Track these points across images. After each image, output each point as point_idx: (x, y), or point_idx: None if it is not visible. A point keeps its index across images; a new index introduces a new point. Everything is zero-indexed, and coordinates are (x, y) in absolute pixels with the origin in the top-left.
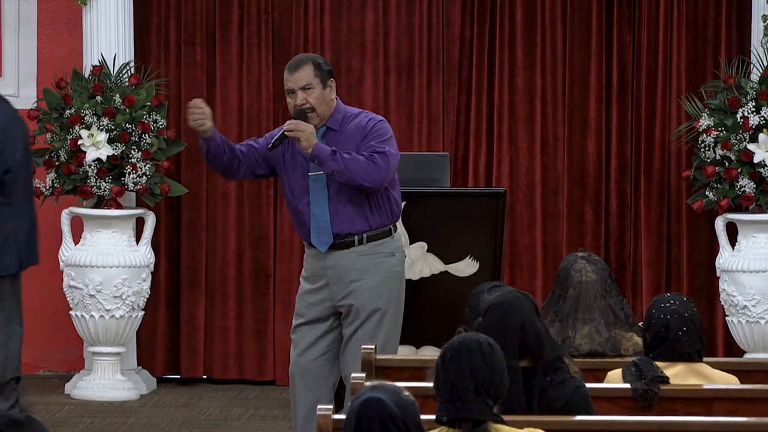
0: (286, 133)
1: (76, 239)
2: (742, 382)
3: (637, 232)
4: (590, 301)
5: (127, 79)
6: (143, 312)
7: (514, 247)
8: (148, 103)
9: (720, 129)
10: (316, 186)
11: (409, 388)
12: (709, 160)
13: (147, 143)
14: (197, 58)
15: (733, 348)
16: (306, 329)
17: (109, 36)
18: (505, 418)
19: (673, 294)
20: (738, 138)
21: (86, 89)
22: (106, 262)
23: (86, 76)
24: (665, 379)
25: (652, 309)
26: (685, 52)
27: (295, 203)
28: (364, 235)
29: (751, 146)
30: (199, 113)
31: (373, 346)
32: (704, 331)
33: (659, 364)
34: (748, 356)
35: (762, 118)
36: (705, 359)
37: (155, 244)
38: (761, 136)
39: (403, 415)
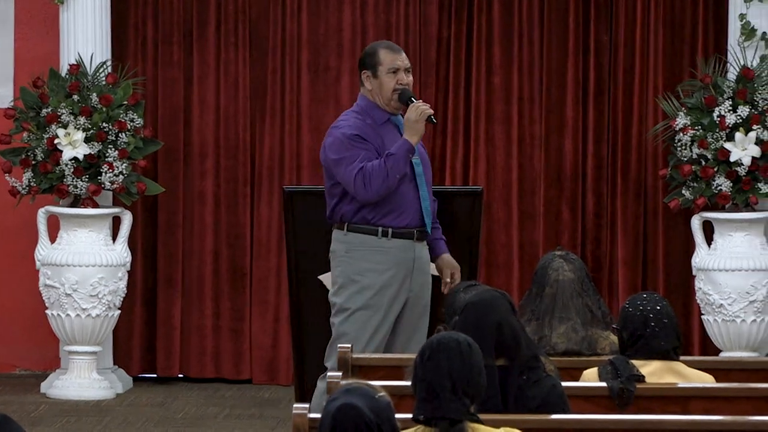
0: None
1: (53, 238)
2: (717, 381)
3: (614, 231)
4: (567, 299)
5: (104, 78)
6: (119, 311)
7: (490, 246)
8: (125, 102)
9: (697, 128)
10: (418, 170)
11: (384, 387)
12: (685, 159)
13: (124, 142)
14: (174, 57)
15: (708, 346)
16: (380, 321)
17: (86, 35)
18: (482, 417)
19: (648, 293)
20: (714, 137)
21: (63, 88)
22: (83, 261)
23: (63, 75)
24: (641, 378)
25: (629, 308)
26: (662, 51)
27: (400, 188)
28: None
29: (727, 145)
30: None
31: (349, 345)
32: (680, 329)
33: (635, 362)
34: (723, 355)
35: (739, 117)
36: (681, 358)
37: (132, 243)
38: (738, 135)
39: (378, 419)
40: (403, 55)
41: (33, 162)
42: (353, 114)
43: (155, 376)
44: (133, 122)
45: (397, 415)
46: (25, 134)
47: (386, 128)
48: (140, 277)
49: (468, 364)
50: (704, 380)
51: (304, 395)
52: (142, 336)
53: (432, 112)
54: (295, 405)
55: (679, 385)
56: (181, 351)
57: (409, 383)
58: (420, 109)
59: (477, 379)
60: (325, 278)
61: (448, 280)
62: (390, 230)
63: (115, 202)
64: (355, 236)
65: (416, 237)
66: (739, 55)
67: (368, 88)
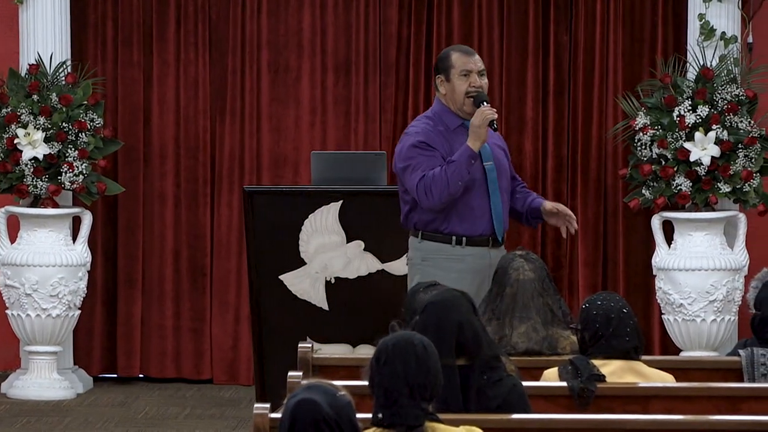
0: (495, 118)
1: (13, 238)
2: (678, 380)
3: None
4: (527, 299)
5: (63, 78)
6: (80, 311)
7: None
8: (85, 102)
9: (656, 128)
10: (491, 177)
11: (345, 387)
12: (645, 159)
13: (84, 142)
14: (134, 57)
15: (669, 346)
16: None
17: (45, 35)
18: (442, 416)
19: (606, 292)
20: (674, 136)
21: (23, 88)
22: (43, 261)
23: (23, 74)
24: (601, 378)
25: (588, 308)
26: (621, 50)
27: (470, 195)
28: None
29: (687, 145)
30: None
31: (309, 345)
32: (640, 329)
33: (595, 362)
34: (684, 354)
35: (698, 117)
36: (641, 357)
37: (92, 243)
38: (697, 135)
39: (337, 416)
40: (476, 57)
41: None
42: (424, 119)
43: (116, 376)
44: (93, 122)
45: (359, 415)
46: None
47: (458, 133)
48: (100, 277)
49: (424, 368)
50: (664, 380)
51: (265, 395)
52: (102, 336)
53: (495, 117)
54: (256, 405)
55: (640, 385)
56: (142, 351)
57: (367, 383)
58: (484, 113)
59: (434, 382)
60: (286, 278)
61: (560, 222)
62: (464, 239)
63: (75, 202)
64: (429, 244)
65: (491, 244)
66: (699, 54)
67: (442, 93)
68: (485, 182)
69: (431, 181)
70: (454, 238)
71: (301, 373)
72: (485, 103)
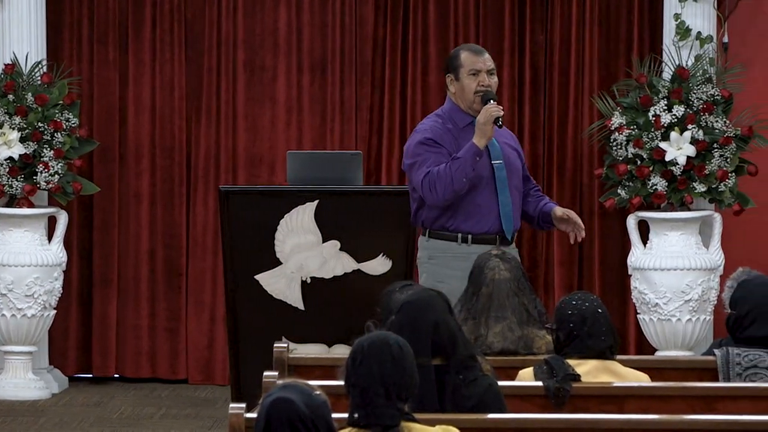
0: (501, 115)
1: None
2: (653, 380)
3: (549, 231)
4: (503, 299)
5: (39, 78)
6: (55, 311)
7: None
8: (61, 102)
9: (632, 127)
10: (500, 175)
11: (321, 387)
12: (621, 159)
13: (59, 142)
14: (110, 57)
15: (644, 346)
16: None
17: (21, 34)
18: (418, 416)
19: (582, 292)
20: (650, 136)
21: None
22: (18, 261)
23: None
24: (577, 377)
25: (563, 307)
26: (597, 50)
27: (477, 194)
28: (516, 233)
29: (662, 144)
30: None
31: (285, 344)
32: (615, 328)
33: (571, 361)
34: (659, 354)
35: (674, 117)
36: (617, 357)
37: (67, 243)
38: (673, 135)
39: (313, 415)
40: (486, 56)
41: None
42: (434, 117)
43: (91, 376)
44: (69, 122)
45: (334, 415)
46: None
47: (467, 131)
48: (76, 276)
49: (400, 368)
50: (640, 379)
51: (241, 395)
52: (77, 336)
53: (500, 114)
54: (231, 405)
55: (615, 385)
56: (117, 351)
57: (343, 383)
58: (489, 111)
59: (410, 382)
60: (262, 278)
61: (569, 228)
62: (469, 236)
63: (51, 202)
64: (436, 242)
65: (498, 242)
66: (674, 54)
67: (452, 91)
68: (493, 180)
69: (436, 177)
70: (459, 235)
71: (276, 373)
72: (492, 101)
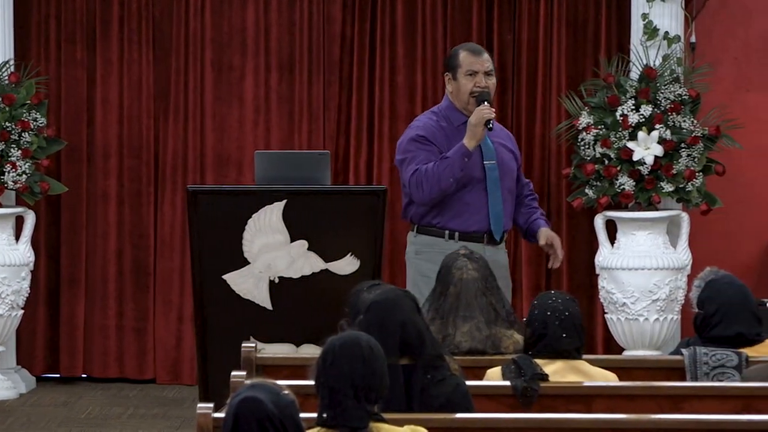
0: (492, 117)
1: None
2: (621, 379)
3: (517, 230)
4: (471, 298)
5: (6, 77)
6: (23, 311)
7: (394, 245)
8: (28, 102)
9: (600, 127)
10: (492, 176)
11: (289, 386)
12: (588, 158)
13: (27, 142)
14: (78, 56)
15: (612, 345)
16: None
17: None
18: (386, 416)
19: (557, 292)
20: (617, 136)
21: None
22: None
23: None
24: (545, 377)
25: (536, 307)
26: (565, 50)
27: (466, 193)
28: (506, 234)
29: (630, 144)
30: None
31: (253, 344)
32: (584, 329)
33: (539, 361)
34: (627, 353)
35: (641, 116)
36: (584, 356)
37: (35, 243)
38: (640, 134)
39: (281, 415)
40: (484, 57)
41: None
42: (430, 113)
43: (58, 376)
44: (36, 121)
45: (302, 414)
46: None
47: (461, 131)
48: (43, 276)
49: (370, 370)
50: (608, 379)
51: (208, 395)
52: (45, 336)
53: (491, 116)
54: (199, 405)
55: (583, 384)
56: (85, 351)
57: (313, 383)
58: (480, 112)
59: (379, 383)
60: (230, 277)
61: (551, 252)
62: (457, 233)
63: (18, 202)
64: (424, 238)
65: (486, 241)
66: (642, 54)
67: (449, 90)
68: (484, 180)
69: (423, 175)
70: (447, 232)
71: (244, 373)
72: (486, 103)
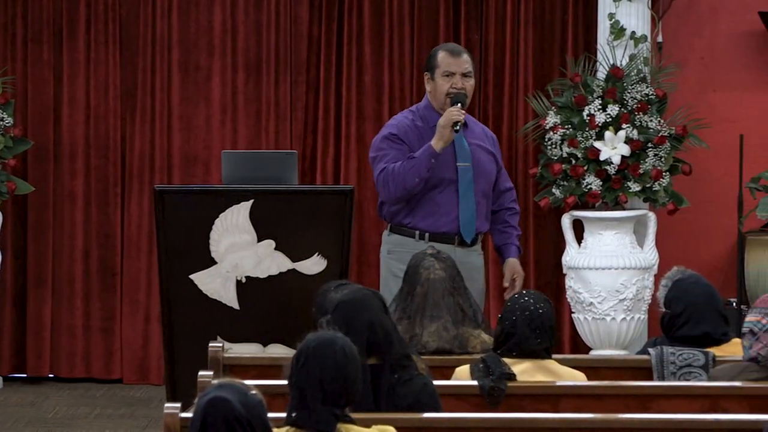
0: (460, 120)
1: None
2: (588, 379)
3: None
4: (438, 298)
5: None
6: None
7: (361, 245)
8: None
9: (566, 127)
10: (465, 177)
11: (256, 386)
12: (555, 158)
13: None
14: (44, 56)
15: (579, 345)
16: None
17: None
18: (353, 416)
19: (530, 291)
20: (584, 136)
21: None
22: None
23: None
24: (512, 376)
25: (508, 306)
26: (531, 50)
27: (437, 194)
28: (482, 236)
29: (597, 144)
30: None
31: (220, 344)
32: (554, 330)
33: (507, 360)
34: (594, 353)
35: (608, 116)
36: (553, 356)
37: (1, 243)
38: (607, 134)
39: (249, 415)
40: (463, 58)
41: None
42: (407, 112)
43: (25, 375)
44: (3, 121)
45: (270, 414)
46: None
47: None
48: (10, 276)
49: (341, 374)
50: (577, 379)
51: (176, 395)
52: (12, 336)
53: (459, 119)
54: (166, 404)
55: (550, 383)
56: (52, 351)
57: (278, 382)
58: (449, 114)
59: (351, 388)
60: (197, 277)
61: (506, 284)
62: (427, 234)
63: None
64: (396, 237)
65: (457, 242)
66: (609, 54)
67: (428, 90)
68: (457, 182)
69: (390, 174)
70: (417, 232)
71: (211, 373)
72: (460, 105)
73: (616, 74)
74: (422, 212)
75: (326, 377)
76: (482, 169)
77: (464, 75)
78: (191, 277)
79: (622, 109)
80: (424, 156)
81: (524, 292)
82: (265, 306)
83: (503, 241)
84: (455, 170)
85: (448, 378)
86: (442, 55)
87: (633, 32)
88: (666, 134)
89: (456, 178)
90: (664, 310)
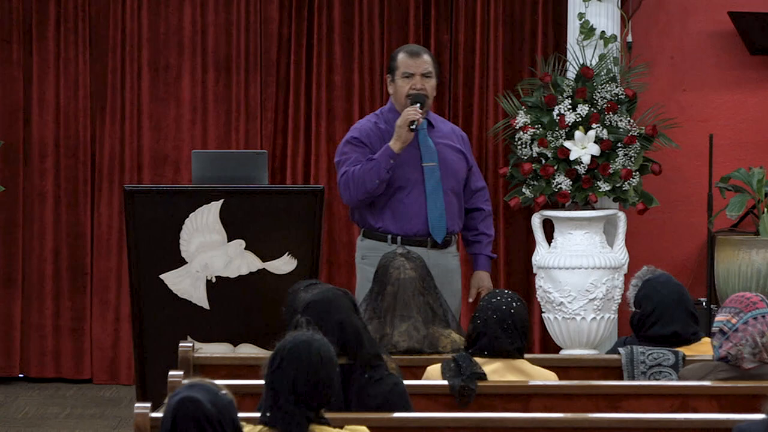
0: (416, 119)
1: None
2: (559, 379)
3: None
4: (408, 298)
5: None
6: None
7: (331, 244)
8: None
9: (536, 126)
10: (431, 177)
11: (226, 386)
12: (525, 158)
13: None
14: (14, 56)
15: (549, 344)
16: None
17: None
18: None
19: (503, 291)
20: (554, 135)
21: None
22: None
23: None
24: (483, 376)
25: (480, 305)
26: (501, 50)
27: (405, 196)
28: (456, 236)
29: (567, 144)
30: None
31: (190, 344)
32: (527, 330)
33: (479, 360)
34: (564, 353)
35: (578, 116)
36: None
37: None
38: (577, 134)
39: (219, 414)
40: (422, 59)
41: None
42: (371, 115)
43: None
44: None
45: (240, 414)
46: None
47: None
48: None
49: (315, 377)
50: (548, 378)
51: (146, 394)
52: None
53: (414, 118)
54: (136, 404)
55: (520, 383)
56: (22, 350)
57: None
58: (406, 114)
59: (324, 392)
60: (167, 277)
61: (471, 299)
62: (399, 237)
63: None
64: (368, 242)
65: (430, 245)
66: (579, 54)
67: (390, 92)
68: (423, 182)
69: (351, 177)
70: (389, 236)
71: (182, 373)
72: (418, 105)
73: (585, 74)
74: (392, 215)
75: (300, 379)
76: (450, 168)
77: (424, 75)
78: (161, 276)
79: (592, 109)
80: (383, 157)
81: (497, 291)
82: (235, 306)
83: (473, 251)
84: (421, 170)
85: (419, 377)
86: (401, 57)
87: (603, 32)
88: (636, 134)
89: (422, 178)
90: (634, 309)
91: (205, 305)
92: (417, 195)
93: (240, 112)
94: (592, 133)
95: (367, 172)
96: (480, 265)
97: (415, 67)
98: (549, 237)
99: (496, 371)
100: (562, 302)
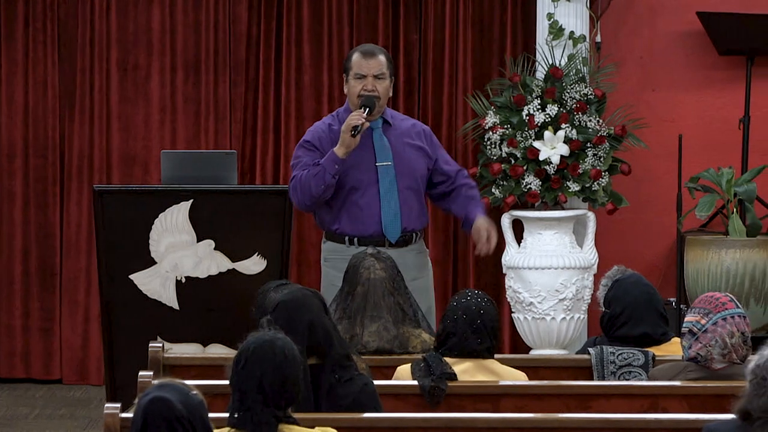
0: (359, 124)
1: None
2: (529, 379)
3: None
4: (378, 298)
5: None
6: None
7: (301, 244)
8: None
9: (506, 126)
10: (386, 176)
11: (197, 386)
12: (495, 158)
13: None
14: None
15: (518, 344)
16: None
17: None
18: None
19: (473, 291)
20: (524, 135)
21: None
22: None
23: None
24: (453, 376)
25: (449, 305)
26: (471, 50)
27: (359, 197)
28: (419, 233)
29: (536, 144)
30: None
31: (160, 344)
32: (497, 330)
33: (449, 360)
34: (533, 353)
35: (547, 116)
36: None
37: None
38: (546, 134)
39: (189, 415)
40: (375, 60)
41: None
42: (328, 117)
43: None
44: None
45: (211, 414)
46: None
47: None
48: None
49: (281, 376)
50: (518, 378)
51: (116, 395)
52: None
53: (357, 123)
54: (106, 405)
55: (490, 383)
56: None
57: (219, 383)
58: (349, 119)
59: (291, 389)
60: (136, 277)
61: (481, 249)
62: (356, 239)
63: None
64: (329, 245)
65: (387, 245)
66: (548, 54)
67: (345, 92)
68: (377, 182)
69: (299, 182)
70: (346, 238)
71: (151, 373)
72: (367, 109)
73: (555, 74)
74: (347, 217)
75: (266, 378)
76: (406, 166)
77: (376, 77)
78: (131, 277)
79: (561, 109)
80: (328, 162)
81: (467, 291)
82: (205, 306)
83: (468, 207)
84: (375, 170)
85: (389, 378)
86: (355, 57)
87: (572, 32)
88: (605, 134)
89: (377, 178)
90: (603, 309)
91: (175, 305)
92: (371, 196)
93: (209, 112)
94: (561, 134)
95: (312, 177)
96: (476, 213)
97: (367, 68)
98: (518, 237)
99: (466, 371)
100: (531, 302)
